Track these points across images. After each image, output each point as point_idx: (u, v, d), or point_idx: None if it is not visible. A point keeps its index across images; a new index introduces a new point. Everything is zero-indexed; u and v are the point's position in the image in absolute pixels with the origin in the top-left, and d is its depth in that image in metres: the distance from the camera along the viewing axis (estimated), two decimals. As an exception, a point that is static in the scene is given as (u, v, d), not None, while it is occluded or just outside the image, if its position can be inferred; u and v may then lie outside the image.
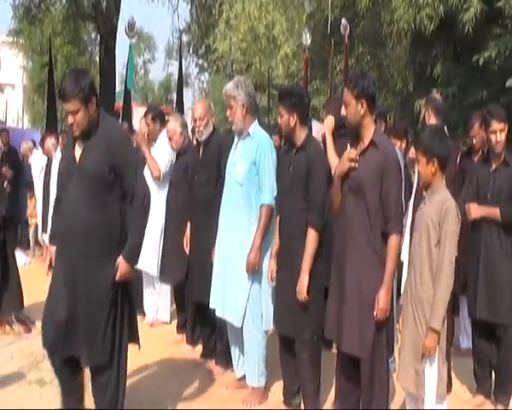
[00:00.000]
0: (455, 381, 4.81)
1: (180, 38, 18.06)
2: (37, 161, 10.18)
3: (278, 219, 4.32)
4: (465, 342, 5.52)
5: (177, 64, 17.00)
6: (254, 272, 4.37)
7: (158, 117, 6.27)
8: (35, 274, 8.86)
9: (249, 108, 4.51)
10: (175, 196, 5.76)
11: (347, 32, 12.22)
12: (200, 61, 19.45)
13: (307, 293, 3.98)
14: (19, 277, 6.30)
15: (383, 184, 3.55)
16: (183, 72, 23.89)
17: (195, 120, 5.10)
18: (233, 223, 4.48)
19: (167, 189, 5.94)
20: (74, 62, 28.61)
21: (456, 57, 13.99)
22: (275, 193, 4.37)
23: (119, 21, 16.30)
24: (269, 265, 4.36)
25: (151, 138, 6.36)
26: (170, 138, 5.84)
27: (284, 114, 4.19)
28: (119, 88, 24.60)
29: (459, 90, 13.31)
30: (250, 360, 4.53)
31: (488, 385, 4.60)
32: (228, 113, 4.58)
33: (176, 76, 16.96)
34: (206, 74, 32.70)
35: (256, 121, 4.58)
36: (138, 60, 42.71)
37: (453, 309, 5.23)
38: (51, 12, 16.47)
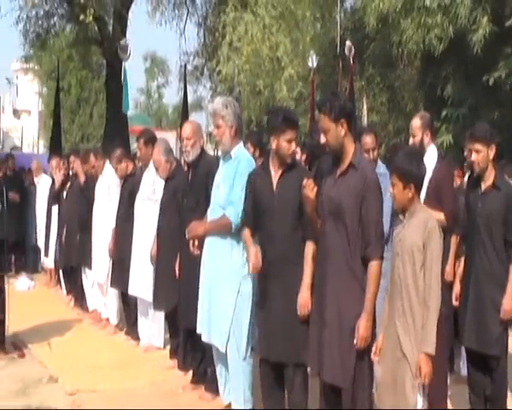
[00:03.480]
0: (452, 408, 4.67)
1: (186, 61, 18.09)
2: (43, 185, 10.19)
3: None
4: (465, 369, 5.33)
5: (189, 88, 16.99)
6: None
7: (150, 141, 6.20)
8: (37, 299, 8.88)
9: (238, 129, 4.48)
10: (166, 220, 5.68)
11: (352, 53, 12.15)
12: (210, 85, 19.57)
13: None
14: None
15: (362, 207, 3.45)
16: (198, 95, 24.03)
17: (183, 140, 5.06)
18: (217, 247, 4.41)
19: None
20: (88, 87, 29.06)
21: (467, 78, 13.83)
22: (240, 214, 4.23)
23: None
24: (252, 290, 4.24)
25: (143, 163, 6.34)
26: (156, 169, 5.84)
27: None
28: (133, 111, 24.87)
29: (470, 111, 13.15)
30: (235, 387, 4.41)
31: (483, 413, 4.43)
32: (215, 132, 4.53)
33: (190, 100, 16.90)
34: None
35: (241, 143, 4.54)
36: (152, 84, 43.15)
37: (455, 335, 5.07)
38: (60, 37, 16.69)
